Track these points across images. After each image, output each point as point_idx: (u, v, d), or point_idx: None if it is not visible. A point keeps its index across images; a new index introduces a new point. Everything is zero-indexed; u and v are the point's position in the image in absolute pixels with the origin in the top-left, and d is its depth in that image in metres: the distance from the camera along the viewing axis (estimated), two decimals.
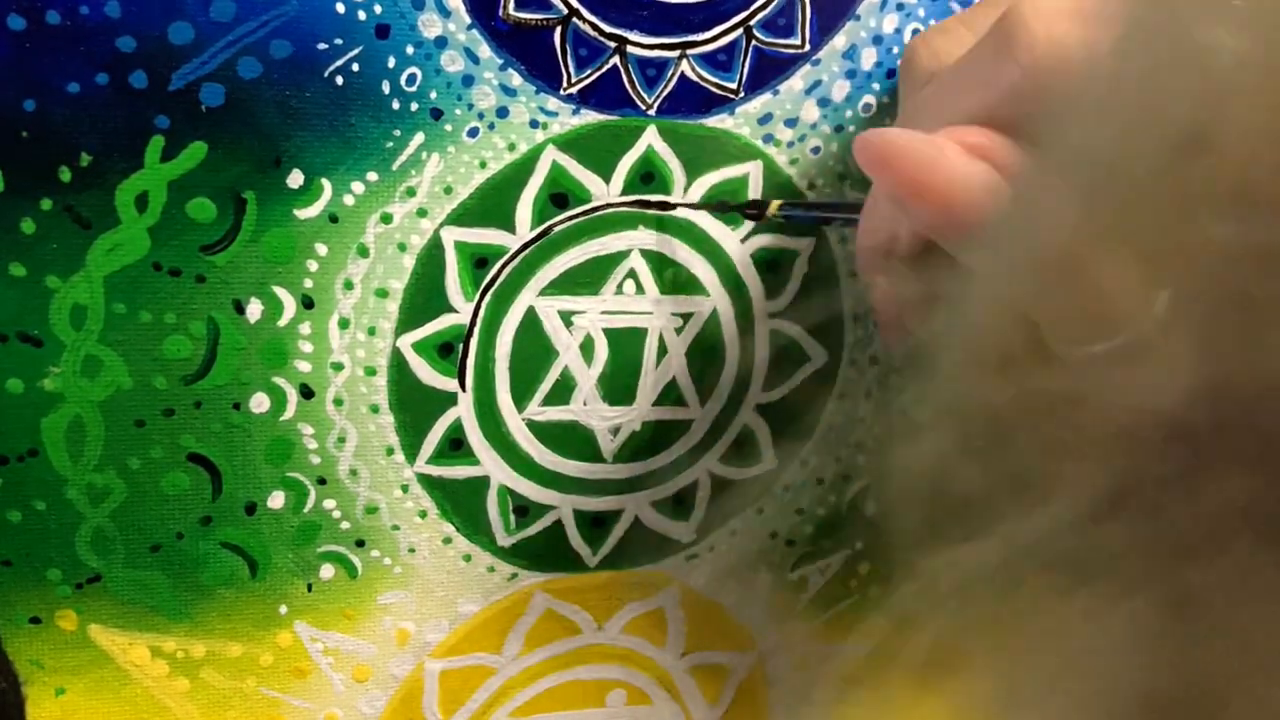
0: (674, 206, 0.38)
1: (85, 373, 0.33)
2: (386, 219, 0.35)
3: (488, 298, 0.37)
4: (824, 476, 0.43)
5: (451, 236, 0.36)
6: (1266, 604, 0.20)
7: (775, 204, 0.36)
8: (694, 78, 0.37)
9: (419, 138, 0.34)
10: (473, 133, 0.35)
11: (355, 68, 0.33)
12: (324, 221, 0.34)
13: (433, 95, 0.34)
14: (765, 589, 0.44)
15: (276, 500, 0.36)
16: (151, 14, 0.31)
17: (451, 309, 0.36)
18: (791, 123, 0.38)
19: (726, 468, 0.42)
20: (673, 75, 0.36)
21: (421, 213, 0.35)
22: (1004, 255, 0.24)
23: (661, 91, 0.36)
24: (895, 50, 0.38)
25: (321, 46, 0.32)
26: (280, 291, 0.34)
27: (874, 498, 0.44)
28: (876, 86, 0.39)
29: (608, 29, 0.35)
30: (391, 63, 0.33)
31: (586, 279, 0.38)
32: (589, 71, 0.35)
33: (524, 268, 0.37)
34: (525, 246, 0.37)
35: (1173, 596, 0.21)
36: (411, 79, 0.34)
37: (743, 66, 0.37)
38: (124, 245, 0.32)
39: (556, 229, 0.37)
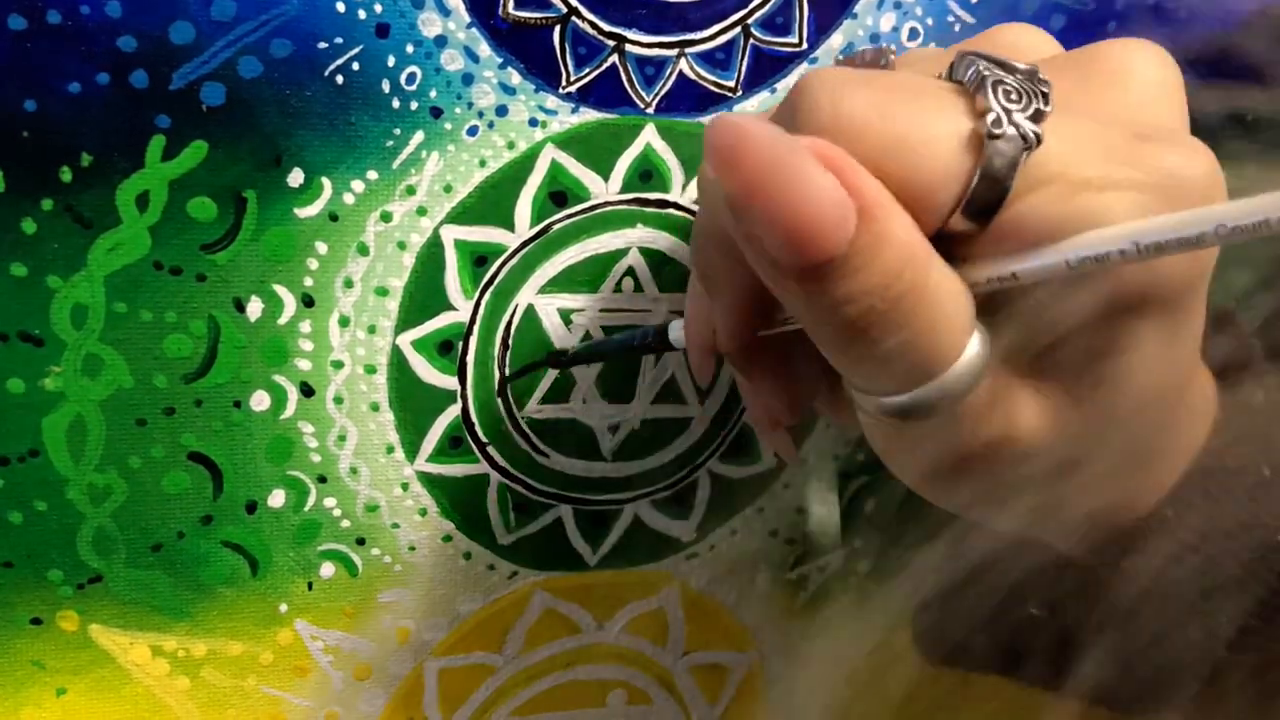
0: (673, 205, 0.38)
1: (86, 372, 0.33)
2: (386, 217, 0.35)
3: (487, 295, 0.37)
4: (823, 475, 0.44)
5: (451, 235, 0.36)
6: None
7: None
8: (692, 76, 0.37)
9: (419, 136, 0.34)
10: (472, 131, 0.35)
11: (355, 66, 0.33)
12: (324, 220, 0.34)
13: (432, 94, 0.34)
14: (765, 588, 0.44)
15: (277, 499, 0.36)
16: (152, 13, 0.31)
17: (451, 307, 0.36)
18: None
19: (726, 466, 0.42)
20: (671, 74, 0.36)
21: (421, 211, 0.35)
22: None
23: (660, 90, 0.37)
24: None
25: (322, 45, 0.33)
26: (280, 290, 0.34)
27: (873, 495, 0.44)
28: None
29: (607, 28, 0.35)
30: (391, 61, 0.33)
31: (585, 277, 0.38)
32: (588, 70, 0.36)
33: (523, 266, 0.37)
34: (524, 244, 0.37)
35: None
36: (411, 78, 0.34)
37: (741, 65, 0.37)
38: (125, 244, 0.32)
39: (555, 227, 0.37)
